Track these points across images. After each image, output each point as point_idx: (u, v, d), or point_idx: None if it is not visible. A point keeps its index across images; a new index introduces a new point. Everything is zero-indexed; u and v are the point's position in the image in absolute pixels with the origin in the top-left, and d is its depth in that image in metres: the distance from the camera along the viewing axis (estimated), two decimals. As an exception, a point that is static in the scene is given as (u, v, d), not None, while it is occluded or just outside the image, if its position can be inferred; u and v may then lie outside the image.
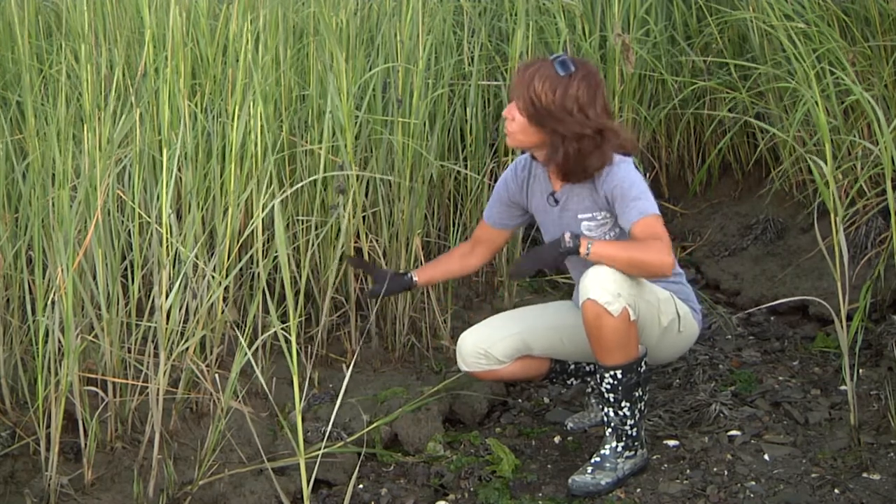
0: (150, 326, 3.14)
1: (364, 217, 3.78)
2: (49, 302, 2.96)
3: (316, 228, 3.65)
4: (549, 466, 3.38)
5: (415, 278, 3.54)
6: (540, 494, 3.22)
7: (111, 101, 3.17)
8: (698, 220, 4.87)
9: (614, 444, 3.20)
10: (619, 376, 3.14)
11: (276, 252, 2.95)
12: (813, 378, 3.73)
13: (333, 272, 3.67)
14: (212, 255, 3.27)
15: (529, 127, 3.18)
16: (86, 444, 2.99)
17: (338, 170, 3.62)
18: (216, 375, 3.30)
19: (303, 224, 3.65)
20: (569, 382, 3.52)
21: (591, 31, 4.61)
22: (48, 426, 2.95)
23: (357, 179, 3.65)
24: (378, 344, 3.85)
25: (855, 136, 4.11)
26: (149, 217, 3.19)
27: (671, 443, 3.38)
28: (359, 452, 3.34)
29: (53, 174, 3.04)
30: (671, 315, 3.26)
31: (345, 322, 3.81)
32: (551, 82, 3.14)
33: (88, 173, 3.02)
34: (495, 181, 3.76)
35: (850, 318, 3.24)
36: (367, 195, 3.81)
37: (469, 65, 4.25)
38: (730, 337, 4.07)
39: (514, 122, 3.21)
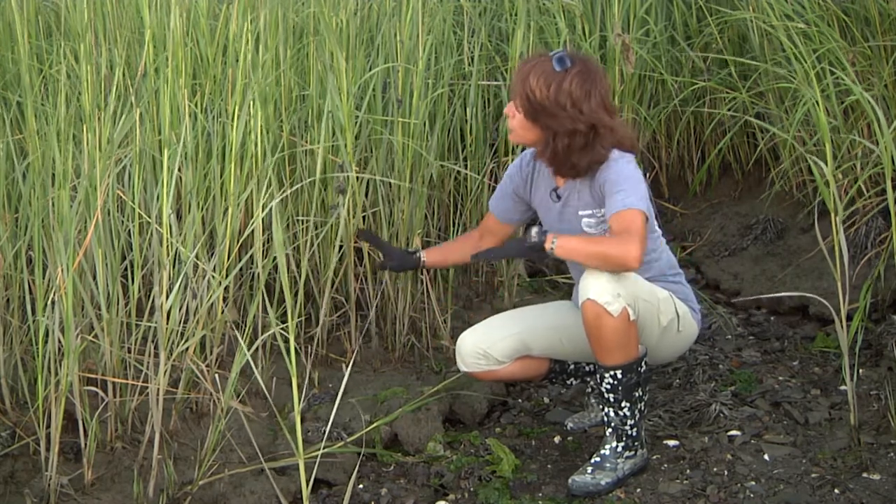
0: (150, 326, 3.14)
1: (364, 217, 3.78)
2: (49, 302, 2.96)
3: (316, 228, 3.65)
4: (549, 466, 3.37)
5: (423, 258, 3.55)
6: (540, 494, 3.22)
7: (111, 101, 3.17)
8: (698, 220, 4.87)
9: (614, 444, 3.20)
10: (619, 376, 3.14)
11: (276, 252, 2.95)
12: (813, 378, 3.73)
13: (333, 272, 3.67)
14: (212, 255, 3.27)
15: (527, 122, 3.19)
16: (86, 444, 3.00)
17: (338, 170, 3.62)
18: (216, 375, 3.30)
19: (303, 224, 3.65)
20: (569, 382, 3.52)
21: (591, 31, 4.60)
22: (48, 426, 2.95)
23: (357, 179, 3.65)
24: (378, 344, 3.84)
25: (855, 136, 4.11)
26: (149, 217, 3.19)
27: (671, 443, 3.38)
28: (359, 452, 3.33)
29: (53, 174, 3.04)
30: (671, 315, 3.26)
31: (345, 322, 3.81)
32: (546, 78, 3.14)
33: (88, 173, 3.02)
34: (495, 181, 3.76)
35: (850, 317, 3.24)
36: (366, 195, 3.81)
37: (469, 65, 4.24)
38: (730, 337, 4.07)
39: (515, 119, 3.21)
